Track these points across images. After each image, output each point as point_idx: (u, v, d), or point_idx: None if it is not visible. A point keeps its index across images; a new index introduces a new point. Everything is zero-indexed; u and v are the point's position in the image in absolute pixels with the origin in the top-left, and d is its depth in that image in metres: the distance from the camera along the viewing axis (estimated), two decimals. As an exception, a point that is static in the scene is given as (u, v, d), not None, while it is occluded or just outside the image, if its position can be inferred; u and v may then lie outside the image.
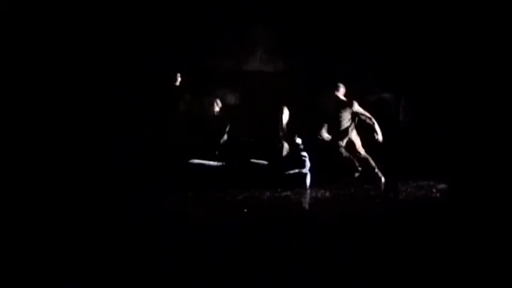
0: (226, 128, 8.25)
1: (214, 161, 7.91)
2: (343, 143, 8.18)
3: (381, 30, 8.47)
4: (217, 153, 7.88)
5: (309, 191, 7.79)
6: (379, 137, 8.08)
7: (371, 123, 8.12)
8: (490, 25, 4.10)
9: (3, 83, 7.76)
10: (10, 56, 7.81)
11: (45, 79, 8.15)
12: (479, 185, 4.20)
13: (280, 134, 8.16)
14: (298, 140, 8.32)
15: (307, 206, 7.26)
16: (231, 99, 8.81)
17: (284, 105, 8.21)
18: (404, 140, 8.40)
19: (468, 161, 4.22)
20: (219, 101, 8.37)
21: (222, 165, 7.85)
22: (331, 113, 8.25)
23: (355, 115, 8.22)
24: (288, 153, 8.12)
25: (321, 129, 8.12)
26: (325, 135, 8.12)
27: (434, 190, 7.60)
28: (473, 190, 4.23)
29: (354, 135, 8.27)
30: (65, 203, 6.79)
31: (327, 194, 7.60)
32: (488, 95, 4.13)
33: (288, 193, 7.60)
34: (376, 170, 8.11)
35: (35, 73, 8.06)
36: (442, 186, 7.68)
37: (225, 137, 8.23)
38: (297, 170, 8.05)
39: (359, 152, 8.22)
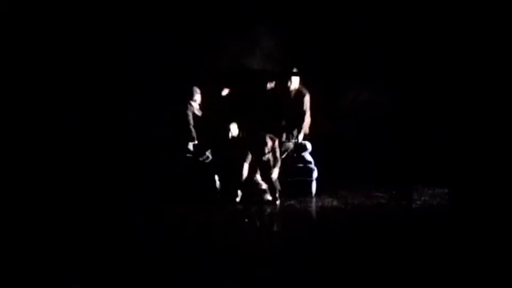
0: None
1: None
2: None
3: (383, 29, 8.41)
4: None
5: (314, 200, 7.63)
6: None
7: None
8: (490, 26, 4.31)
9: (3, 83, 7.88)
10: (10, 56, 7.92)
11: (46, 79, 8.20)
12: (481, 190, 4.40)
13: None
14: (307, 144, 8.07)
15: (313, 216, 7.19)
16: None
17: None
18: (419, 146, 8.24)
19: (469, 166, 4.44)
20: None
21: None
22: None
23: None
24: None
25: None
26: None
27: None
28: (474, 195, 4.44)
29: None
30: (68, 204, 7.03)
31: (334, 202, 7.45)
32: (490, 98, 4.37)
33: (292, 202, 7.45)
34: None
35: (35, 73, 8.13)
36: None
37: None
38: (302, 177, 7.84)
39: None
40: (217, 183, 7.58)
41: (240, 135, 7.73)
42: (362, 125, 8.55)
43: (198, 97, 8.01)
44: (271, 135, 7.46)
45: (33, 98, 8.07)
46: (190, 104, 7.98)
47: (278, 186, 7.38)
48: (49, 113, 8.18)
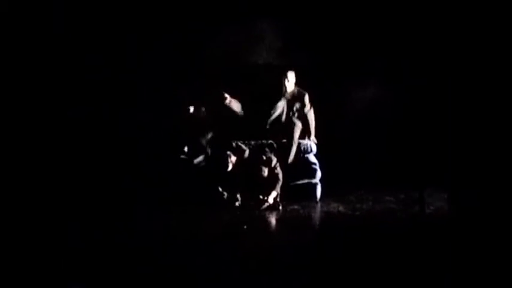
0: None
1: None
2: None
3: (386, 26, 8.53)
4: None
5: (319, 204, 7.49)
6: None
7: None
8: (491, 26, 4.44)
9: (3, 84, 8.07)
10: (10, 56, 8.11)
11: (46, 80, 8.33)
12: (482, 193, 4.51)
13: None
14: (312, 145, 7.91)
15: (317, 222, 7.06)
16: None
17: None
18: (431, 147, 8.00)
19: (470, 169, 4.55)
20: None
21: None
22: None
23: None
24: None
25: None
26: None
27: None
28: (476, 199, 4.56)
29: None
30: (67, 205, 7.13)
31: (341, 207, 7.30)
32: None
33: (296, 207, 7.28)
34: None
35: (35, 74, 8.27)
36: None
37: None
38: (305, 180, 7.66)
39: None
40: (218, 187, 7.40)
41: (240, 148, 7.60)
42: (370, 125, 8.52)
43: (192, 109, 7.93)
44: (270, 156, 7.27)
45: (32, 98, 8.19)
46: (187, 112, 7.89)
47: (278, 191, 7.16)
48: (48, 115, 8.27)
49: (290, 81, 7.74)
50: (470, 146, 4.76)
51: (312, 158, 7.79)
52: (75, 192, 7.58)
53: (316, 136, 7.91)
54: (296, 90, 7.78)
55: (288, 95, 7.77)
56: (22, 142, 8.03)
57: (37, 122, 8.20)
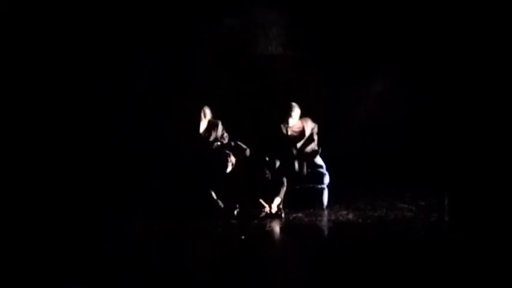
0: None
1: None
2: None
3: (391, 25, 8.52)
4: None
5: (326, 212, 7.31)
6: None
7: None
8: (491, 26, 4.65)
9: (2, 84, 8.23)
10: (10, 56, 8.23)
11: (46, 81, 8.42)
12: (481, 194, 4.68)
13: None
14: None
15: (324, 232, 6.86)
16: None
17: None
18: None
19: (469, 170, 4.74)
20: (207, 110, 7.75)
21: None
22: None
23: None
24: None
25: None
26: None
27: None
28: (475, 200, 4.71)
29: None
30: (67, 208, 7.22)
31: (350, 215, 7.11)
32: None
33: (300, 214, 7.09)
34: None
35: (35, 74, 8.38)
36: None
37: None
38: (311, 185, 7.41)
39: None
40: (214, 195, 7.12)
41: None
42: (379, 126, 8.44)
43: (208, 113, 7.71)
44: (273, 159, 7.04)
45: (32, 98, 8.28)
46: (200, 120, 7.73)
47: (282, 197, 6.84)
48: (47, 116, 8.35)
49: (294, 117, 7.33)
50: (470, 146, 4.89)
51: (318, 160, 7.50)
52: (75, 193, 7.62)
53: (322, 137, 7.59)
54: (302, 125, 7.41)
55: (290, 132, 7.43)
56: (21, 142, 8.13)
57: (36, 122, 8.29)
